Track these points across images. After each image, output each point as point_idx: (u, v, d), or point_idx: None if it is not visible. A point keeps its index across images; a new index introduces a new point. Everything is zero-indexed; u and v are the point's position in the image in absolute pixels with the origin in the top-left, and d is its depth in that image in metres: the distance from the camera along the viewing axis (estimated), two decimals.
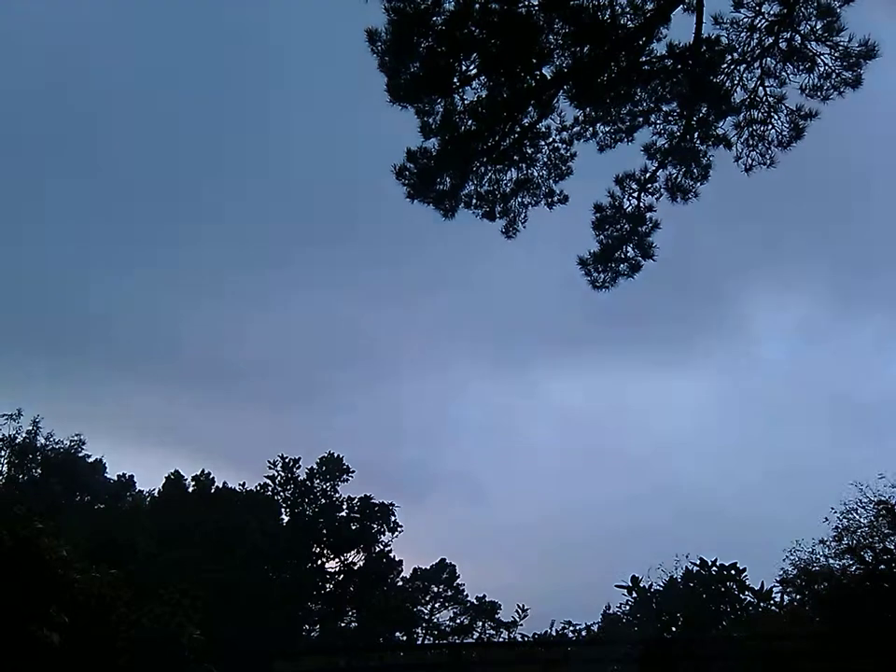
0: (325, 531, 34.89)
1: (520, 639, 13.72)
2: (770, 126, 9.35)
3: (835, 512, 19.97)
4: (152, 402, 49.41)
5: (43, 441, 35.70)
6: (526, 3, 8.20)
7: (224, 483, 35.88)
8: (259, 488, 35.65)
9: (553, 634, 12.07)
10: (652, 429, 58.25)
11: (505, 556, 46.14)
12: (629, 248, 9.88)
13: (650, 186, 9.82)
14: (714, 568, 9.96)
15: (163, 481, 36.16)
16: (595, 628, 12.67)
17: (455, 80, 8.55)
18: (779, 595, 9.93)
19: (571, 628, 12.12)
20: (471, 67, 8.51)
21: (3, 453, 34.13)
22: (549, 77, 8.71)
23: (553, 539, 42.80)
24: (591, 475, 57.68)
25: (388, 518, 35.19)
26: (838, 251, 60.45)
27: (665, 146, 9.63)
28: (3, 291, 48.45)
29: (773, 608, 9.75)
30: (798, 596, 9.71)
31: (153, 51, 56.64)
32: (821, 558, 19.13)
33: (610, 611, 14.01)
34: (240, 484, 35.66)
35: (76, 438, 36.90)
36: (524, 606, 15.33)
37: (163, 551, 27.02)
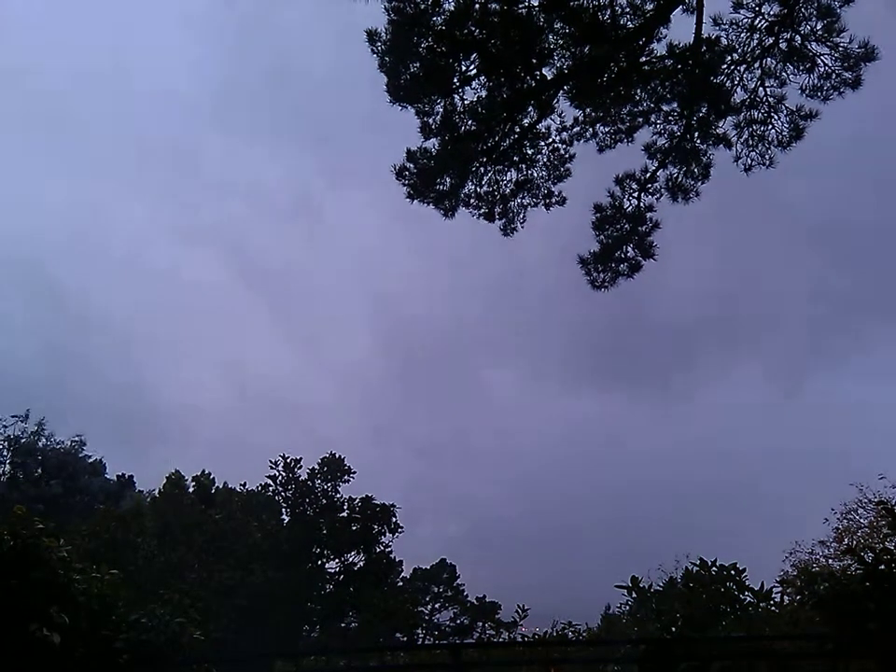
0: (325, 532, 34.83)
1: (520, 639, 13.69)
2: (770, 126, 9.36)
3: (836, 513, 20.07)
4: None
5: (44, 441, 35.77)
6: (526, 3, 8.21)
7: (224, 482, 35.87)
8: (259, 488, 35.61)
9: (554, 634, 12.08)
10: None
11: None
12: (629, 248, 9.91)
13: (650, 186, 9.83)
14: (714, 569, 9.94)
15: (163, 481, 36.11)
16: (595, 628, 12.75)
17: (455, 80, 8.56)
18: (779, 595, 9.91)
19: (571, 628, 12.15)
20: (471, 67, 8.52)
21: (6, 453, 34.15)
22: (549, 78, 8.73)
23: None
24: None
25: (389, 519, 35.13)
26: None
27: (666, 145, 9.64)
28: None
29: (773, 608, 9.73)
30: (798, 596, 9.69)
31: None
32: (821, 558, 19.22)
33: (610, 611, 14.03)
34: (241, 485, 35.65)
35: (76, 438, 37.03)
36: (524, 606, 15.32)
37: (163, 551, 26.98)
